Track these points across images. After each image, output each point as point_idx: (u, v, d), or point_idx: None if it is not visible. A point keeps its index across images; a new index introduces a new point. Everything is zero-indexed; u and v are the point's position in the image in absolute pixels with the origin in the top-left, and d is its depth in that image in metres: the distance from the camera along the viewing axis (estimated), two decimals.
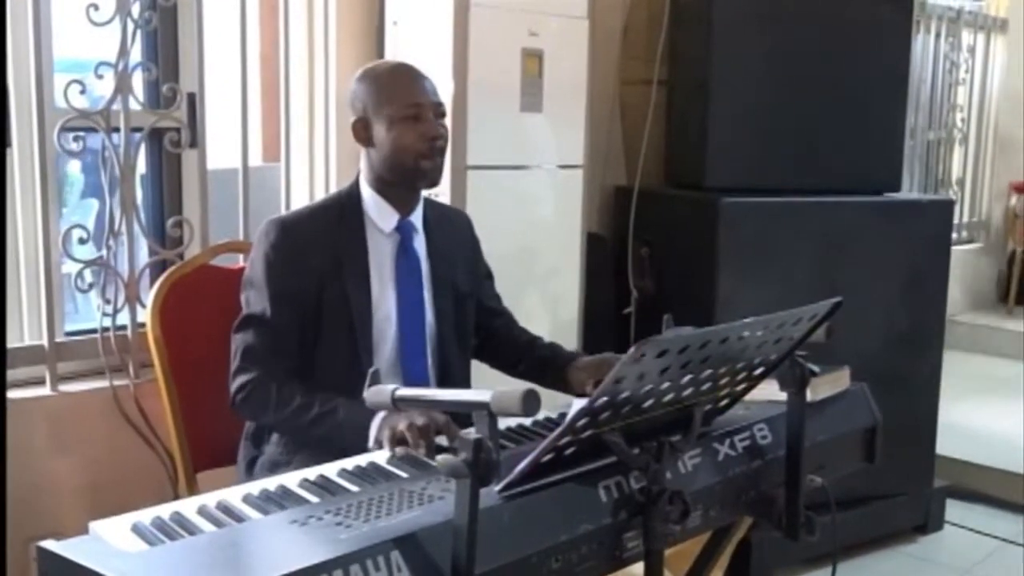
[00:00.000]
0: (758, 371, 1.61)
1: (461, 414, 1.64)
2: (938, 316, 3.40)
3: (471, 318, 2.14)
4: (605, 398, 1.30)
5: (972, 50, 5.60)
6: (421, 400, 1.42)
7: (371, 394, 1.43)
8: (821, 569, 2.88)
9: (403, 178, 1.97)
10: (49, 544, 1.27)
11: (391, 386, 1.42)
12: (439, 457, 1.21)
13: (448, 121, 2.03)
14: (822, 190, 3.17)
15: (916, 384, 3.32)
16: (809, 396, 1.70)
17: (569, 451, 1.40)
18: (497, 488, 1.35)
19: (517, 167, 2.88)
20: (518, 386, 1.29)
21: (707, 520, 1.64)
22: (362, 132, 1.98)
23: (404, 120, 1.92)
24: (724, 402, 1.65)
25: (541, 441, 1.39)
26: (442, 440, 1.65)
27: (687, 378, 1.42)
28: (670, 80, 3.41)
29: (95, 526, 1.34)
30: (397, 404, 1.40)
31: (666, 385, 1.39)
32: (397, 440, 1.63)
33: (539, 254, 2.97)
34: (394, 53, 2.76)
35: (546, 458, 1.37)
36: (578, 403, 1.31)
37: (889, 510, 3.32)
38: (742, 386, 1.63)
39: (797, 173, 3.19)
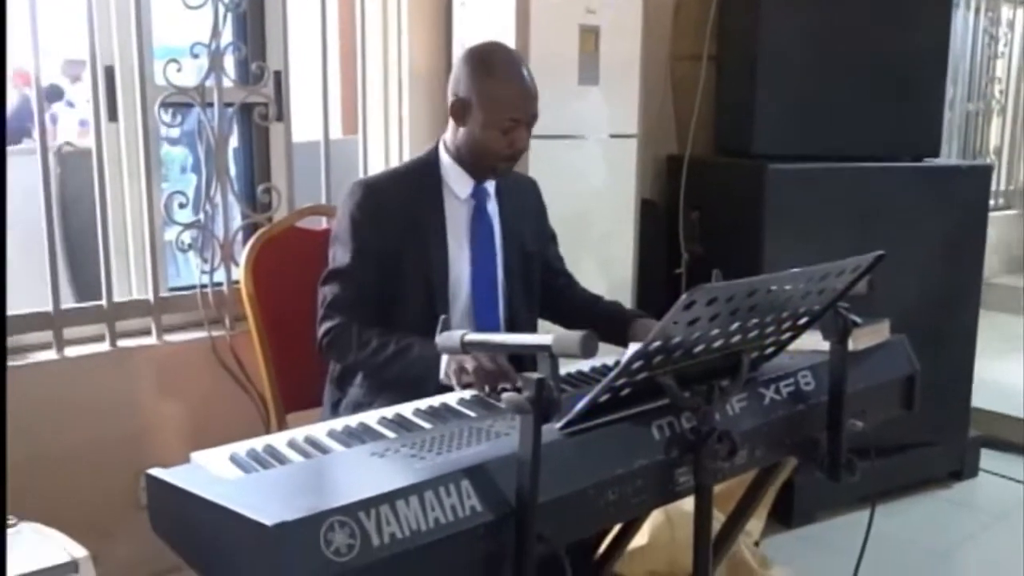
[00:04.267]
0: (802, 320, 1.58)
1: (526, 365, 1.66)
2: (975, 277, 3.31)
3: (537, 276, 2.12)
4: (659, 342, 1.29)
5: (1011, 24, 5.39)
6: (488, 344, 1.42)
7: (442, 339, 1.44)
8: (859, 511, 2.83)
9: (478, 168, 1.97)
10: (155, 471, 1.30)
11: (460, 331, 1.42)
12: (505, 395, 1.21)
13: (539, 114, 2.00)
14: (864, 157, 3.09)
15: (953, 341, 3.24)
16: (851, 346, 1.67)
17: (625, 392, 1.39)
18: (558, 425, 1.35)
19: (575, 137, 2.85)
20: None
21: (753, 459, 1.62)
22: (459, 112, 1.93)
23: (498, 129, 1.89)
24: (770, 350, 1.62)
25: (598, 385, 1.39)
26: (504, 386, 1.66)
27: (735, 325, 1.40)
28: (719, 54, 3.34)
29: (196, 456, 1.37)
30: (466, 348, 1.40)
31: (715, 332, 1.37)
32: (464, 377, 1.64)
33: (595, 219, 2.94)
34: (461, 31, 2.75)
35: (603, 398, 1.36)
36: (634, 347, 1.30)
37: (927, 457, 3.26)
38: (787, 335, 1.61)
39: (841, 141, 3.11)
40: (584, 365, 1.82)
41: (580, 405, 1.35)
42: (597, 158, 2.94)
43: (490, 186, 2.04)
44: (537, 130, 2.67)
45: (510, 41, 2.62)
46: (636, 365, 1.32)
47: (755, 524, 2.65)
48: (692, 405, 1.42)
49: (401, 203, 1.94)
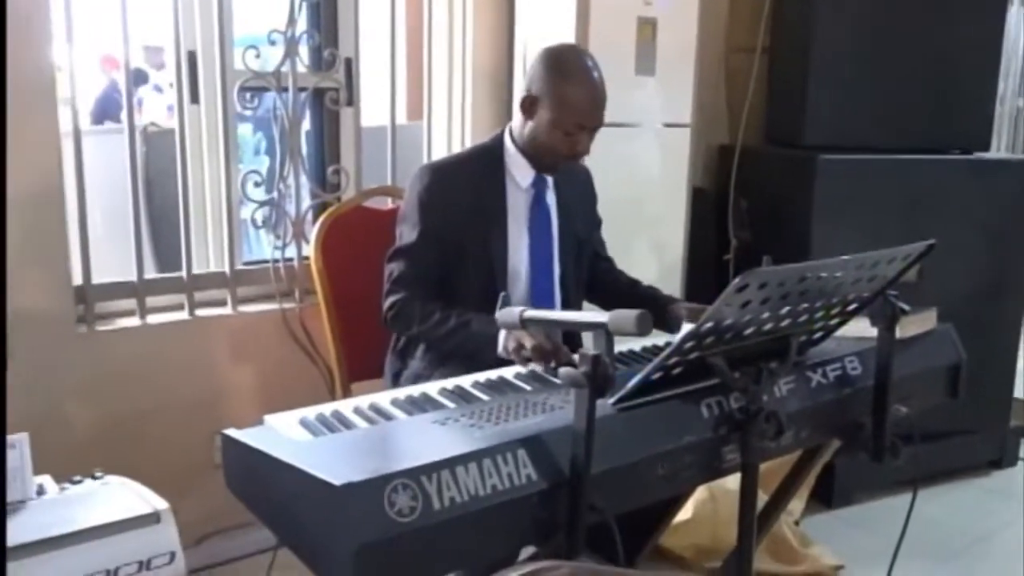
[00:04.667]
0: (851, 307, 1.55)
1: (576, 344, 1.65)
2: (1020, 269, 3.21)
3: (586, 262, 2.13)
4: (711, 324, 1.27)
5: None
6: (546, 320, 1.42)
7: (502, 314, 1.44)
8: (897, 495, 2.78)
9: (537, 162, 1.97)
10: (231, 432, 1.33)
11: (520, 308, 1.42)
12: (562, 370, 1.21)
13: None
14: (914, 149, 3.00)
15: (997, 331, 3.16)
16: (898, 333, 1.64)
17: (676, 371, 1.38)
18: (611, 400, 1.34)
19: (631, 125, 2.82)
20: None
21: (799, 440, 1.60)
22: (528, 107, 1.92)
23: (563, 130, 1.88)
24: (818, 334, 1.60)
25: (646, 365, 1.38)
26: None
27: (785, 309, 1.38)
28: (772, 47, 3.27)
29: (268, 419, 1.39)
30: (525, 324, 1.40)
31: (766, 315, 1.36)
32: (520, 351, 1.64)
33: (648, 204, 2.91)
34: (524, 23, 2.73)
35: (655, 376, 1.35)
36: (687, 327, 1.28)
37: (967, 445, 3.18)
38: (835, 320, 1.58)
39: (890, 133, 3.03)
40: (635, 345, 1.81)
41: (633, 382, 1.35)
42: (651, 146, 2.91)
43: (549, 176, 2.04)
44: None
45: (570, 32, 2.60)
46: (688, 345, 1.31)
47: (796, 504, 2.63)
48: (741, 385, 1.40)
49: (466, 188, 1.94)
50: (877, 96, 3.01)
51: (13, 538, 0.98)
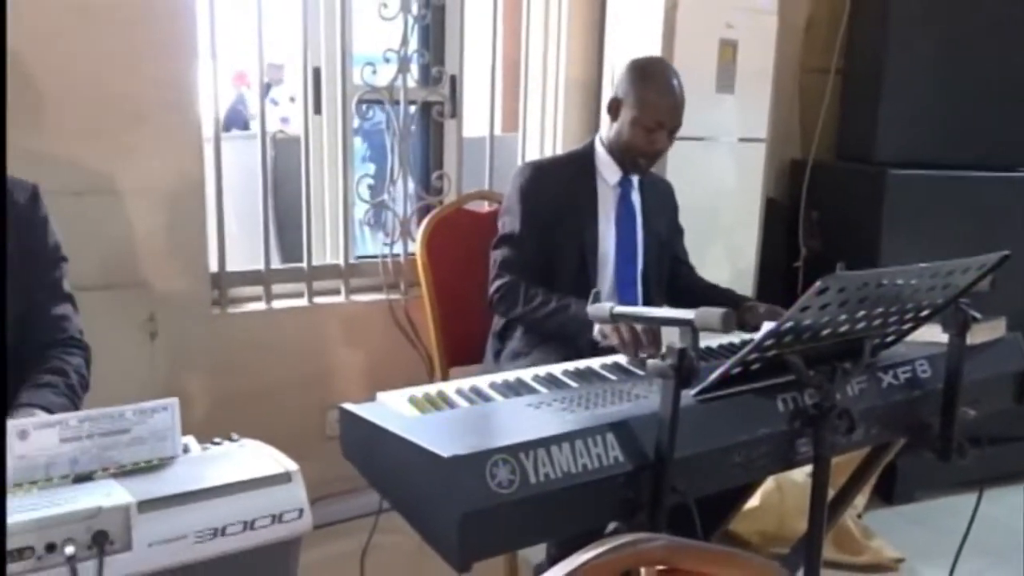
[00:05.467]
0: (924, 313, 1.49)
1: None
2: None
3: (667, 263, 2.14)
4: (791, 323, 1.24)
5: None
6: (634, 316, 1.41)
7: (593, 309, 1.44)
8: (957, 495, 2.66)
9: (621, 161, 2.00)
10: (348, 405, 1.35)
11: (609, 303, 1.41)
12: (650, 361, 1.20)
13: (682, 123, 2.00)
14: (984, 165, 2.88)
15: None
16: (968, 339, 1.57)
17: (754, 367, 1.35)
18: (693, 392, 1.32)
19: (708, 139, 2.78)
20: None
21: (868, 437, 1.55)
22: (613, 109, 2.00)
23: (643, 127, 1.93)
24: (891, 338, 1.54)
25: (724, 360, 1.35)
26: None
27: (861, 313, 1.33)
28: (846, 67, 3.17)
29: (380, 396, 1.41)
30: (615, 318, 1.39)
31: (843, 317, 1.31)
32: (620, 337, 1.63)
33: (724, 213, 2.86)
34: (614, 41, 2.72)
35: (735, 371, 1.33)
36: (767, 326, 1.26)
37: None
38: (908, 325, 1.52)
39: (961, 149, 2.91)
40: (712, 342, 1.78)
41: (714, 375, 1.32)
42: (728, 159, 2.86)
43: (634, 178, 2.07)
44: (678, 132, 2.66)
45: (656, 50, 2.58)
46: (768, 343, 1.27)
47: (860, 498, 2.54)
48: (816, 383, 1.36)
49: (561, 182, 1.99)
50: (947, 114, 2.90)
51: (166, 489, 1.03)
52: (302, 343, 2.42)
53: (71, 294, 1.53)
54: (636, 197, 2.06)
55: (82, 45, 1.96)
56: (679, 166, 2.67)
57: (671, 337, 1.29)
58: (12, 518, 0.94)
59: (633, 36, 2.67)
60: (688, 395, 1.31)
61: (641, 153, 1.95)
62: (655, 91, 1.93)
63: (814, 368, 1.36)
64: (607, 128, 2.02)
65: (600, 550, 0.65)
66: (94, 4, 1.97)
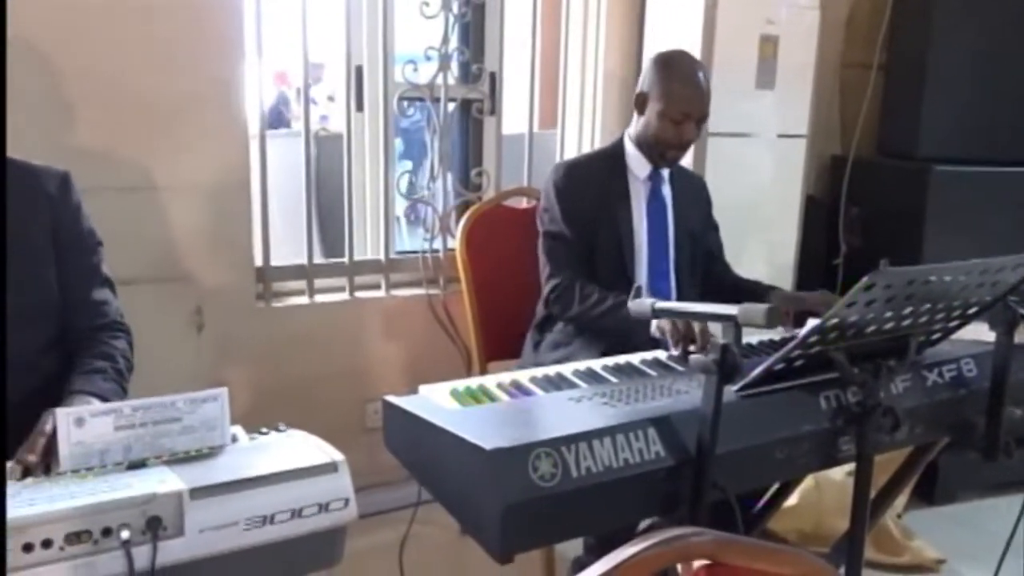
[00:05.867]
0: (972, 310, 1.45)
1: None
2: None
3: (700, 257, 2.13)
4: (836, 319, 1.22)
5: None
6: (676, 311, 1.39)
7: (635, 304, 1.43)
8: (999, 496, 2.60)
9: (650, 154, 2.00)
10: (391, 397, 1.35)
11: (650, 299, 1.40)
12: (692, 356, 1.19)
13: (709, 114, 1.99)
14: None
15: None
16: (1016, 338, 1.53)
17: (798, 363, 1.33)
18: (735, 388, 1.31)
19: (750, 135, 2.75)
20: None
21: (912, 436, 1.51)
22: (640, 103, 2.01)
23: (670, 119, 1.93)
24: (937, 335, 1.51)
25: (765, 357, 1.33)
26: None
27: (908, 310, 1.31)
28: (888, 62, 3.11)
29: (423, 388, 1.41)
30: (656, 314, 1.38)
31: (889, 314, 1.29)
32: (676, 332, 1.61)
33: (763, 209, 2.83)
34: (653, 36, 2.69)
35: (778, 367, 1.31)
36: (812, 322, 1.24)
37: None
38: (955, 323, 1.48)
39: (1005, 146, 2.84)
40: (751, 338, 1.75)
41: (757, 371, 1.31)
42: (766, 155, 2.83)
43: (665, 172, 2.07)
44: (716, 128, 2.64)
45: (696, 47, 2.55)
46: (812, 339, 1.25)
47: (900, 498, 2.49)
48: (860, 380, 1.34)
49: (593, 178, 2.01)
50: (991, 109, 2.83)
51: (217, 477, 1.04)
52: (343, 336, 2.44)
53: (109, 278, 1.54)
54: (667, 190, 2.07)
55: (137, 44, 2.00)
56: (718, 162, 2.64)
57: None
58: (71, 502, 0.96)
59: (672, 32, 2.65)
60: (730, 391, 1.29)
61: (669, 145, 1.96)
62: (680, 83, 1.93)
63: (858, 365, 1.34)
64: (635, 122, 2.02)
65: (648, 543, 0.64)
66: (151, 5, 2.00)
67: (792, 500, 2.26)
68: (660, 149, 1.97)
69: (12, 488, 1.02)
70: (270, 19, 2.29)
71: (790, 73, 2.75)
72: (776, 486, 1.82)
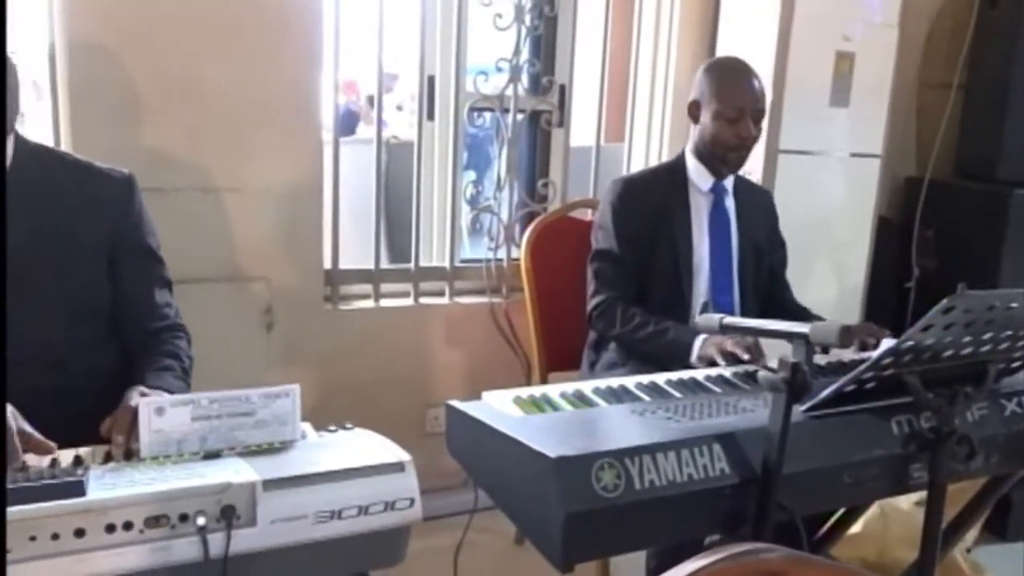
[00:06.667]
0: None
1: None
2: None
3: (765, 272, 2.09)
4: (911, 342, 1.19)
5: None
6: (745, 328, 1.38)
7: (702, 319, 1.42)
8: None
9: (712, 160, 1.98)
10: (454, 402, 1.37)
11: (719, 315, 1.39)
12: (760, 373, 1.17)
13: (766, 111, 1.96)
14: None
15: None
16: None
17: (869, 385, 1.30)
18: (803, 407, 1.29)
19: (822, 153, 2.70)
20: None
21: (988, 466, 1.46)
22: (694, 112, 2.00)
23: (725, 119, 1.91)
24: (1017, 363, 1.46)
25: (833, 378, 1.31)
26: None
27: (988, 335, 1.27)
28: (969, 83, 3.02)
29: (486, 395, 1.42)
30: (724, 329, 1.37)
31: (967, 339, 1.25)
32: (723, 354, 1.61)
33: (833, 230, 2.77)
34: (725, 51, 2.67)
35: (849, 388, 1.28)
36: (887, 343, 1.21)
37: None
38: None
39: None
40: (820, 359, 1.72)
41: (827, 391, 1.28)
42: (840, 174, 2.77)
43: (728, 184, 2.04)
44: (787, 145, 2.61)
45: (769, 62, 2.53)
46: (886, 361, 1.23)
47: (970, 532, 2.40)
48: (935, 406, 1.30)
49: (652, 195, 1.98)
50: None
51: (288, 470, 1.07)
52: (406, 341, 2.47)
53: (169, 280, 1.58)
54: (730, 203, 2.04)
55: (221, 51, 2.07)
56: (787, 180, 2.60)
57: (781, 351, 1.25)
58: (151, 487, 1.00)
59: (746, 48, 2.61)
60: (798, 410, 1.27)
61: (729, 147, 1.93)
62: (730, 81, 1.92)
63: (933, 390, 1.30)
64: (692, 134, 2.01)
65: (718, 556, 0.64)
66: (235, 14, 2.07)
67: (856, 528, 2.20)
68: (720, 152, 1.94)
69: (96, 471, 1.07)
70: (346, 29, 2.34)
71: (865, 91, 2.69)
72: (841, 511, 1.78)
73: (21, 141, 1.43)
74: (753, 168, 2.52)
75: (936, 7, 3.08)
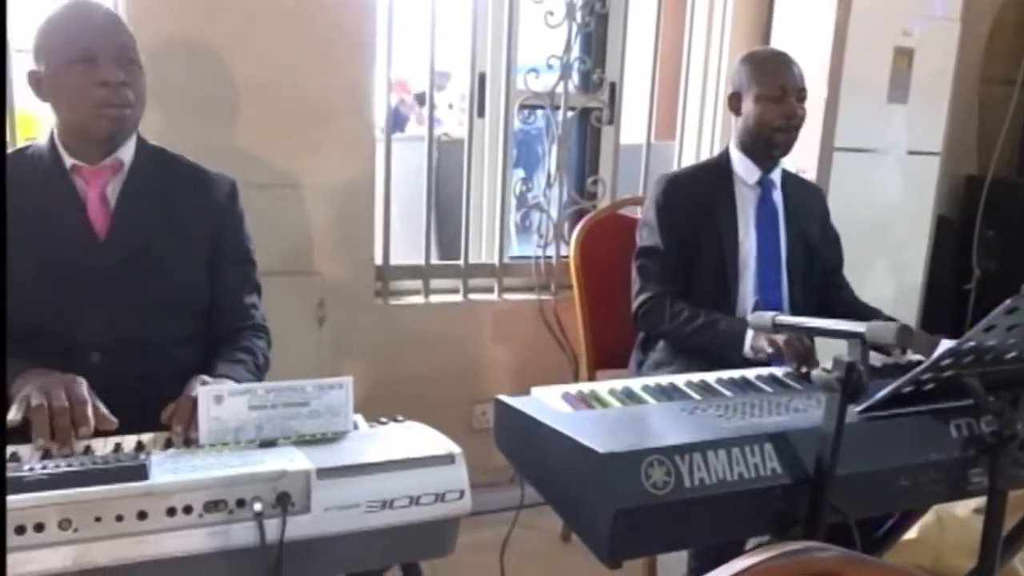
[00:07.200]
0: None
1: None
2: None
3: (817, 268, 2.04)
4: (972, 343, 1.16)
5: None
6: (798, 326, 1.36)
7: (754, 317, 1.40)
8: None
9: (760, 146, 1.95)
10: (503, 397, 1.37)
11: (772, 312, 1.37)
12: (814, 372, 1.15)
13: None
14: None
15: None
16: None
17: (927, 387, 1.27)
18: (858, 408, 1.26)
19: (878, 151, 2.64)
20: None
21: None
22: (735, 103, 1.99)
23: (768, 99, 1.90)
24: None
25: (889, 380, 1.28)
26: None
27: None
28: None
29: (535, 391, 1.42)
30: (777, 328, 1.35)
31: None
32: (774, 344, 1.58)
33: (890, 229, 2.71)
34: (780, 45, 2.62)
35: (906, 389, 1.26)
36: (946, 343, 1.18)
37: None
38: None
39: None
40: (875, 360, 1.68)
41: (883, 392, 1.26)
42: (895, 173, 2.71)
43: (776, 177, 2.00)
44: (843, 142, 2.56)
45: (825, 58, 2.49)
46: (945, 362, 1.20)
47: None
48: (996, 409, 1.26)
49: (697, 192, 1.97)
50: None
51: (342, 459, 1.09)
52: (455, 337, 2.49)
53: (259, 284, 1.64)
54: (778, 196, 2.00)
55: (279, 49, 2.11)
56: (843, 178, 2.55)
57: (836, 350, 1.23)
58: (210, 473, 1.03)
59: (801, 42, 2.57)
60: (853, 411, 1.25)
61: (776, 127, 1.90)
62: (769, 63, 1.92)
63: (994, 393, 1.27)
64: (735, 127, 2.00)
65: (771, 553, 0.63)
66: (292, 12, 2.11)
67: (911, 533, 2.14)
68: (767, 134, 1.91)
69: (157, 456, 1.10)
70: (398, 28, 2.37)
71: (925, 87, 2.63)
72: (895, 516, 1.74)
73: (142, 142, 1.51)
74: (808, 166, 2.48)
75: (999, 0, 2.99)
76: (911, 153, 2.71)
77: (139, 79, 1.43)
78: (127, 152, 1.47)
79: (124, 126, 1.43)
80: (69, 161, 1.44)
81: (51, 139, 1.45)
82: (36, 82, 1.42)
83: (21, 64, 1.51)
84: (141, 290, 1.43)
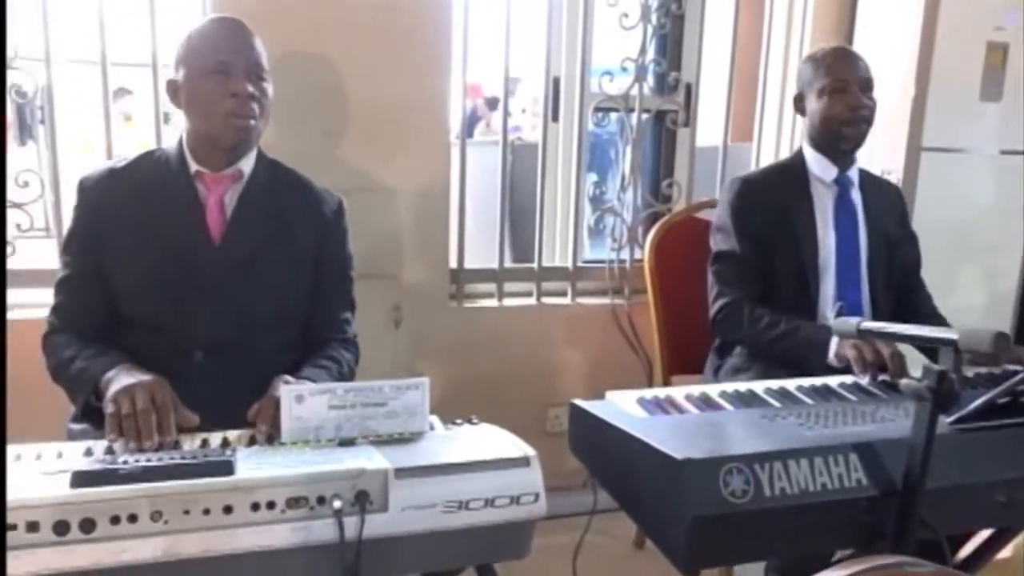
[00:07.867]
0: None
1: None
2: None
3: (898, 266, 1.98)
4: None
5: None
6: (885, 333, 1.31)
7: (838, 323, 1.35)
8: None
9: (829, 141, 1.90)
10: (578, 401, 1.36)
11: (856, 318, 1.32)
12: (903, 381, 1.11)
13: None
14: None
15: None
16: None
17: None
18: (950, 419, 1.21)
19: (968, 151, 2.53)
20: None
21: None
22: (799, 105, 1.96)
23: (832, 93, 1.86)
24: None
25: (981, 391, 1.22)
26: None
27: None
28: None
29: (610, 395, 1.41)
30: (862, 334, 1.30)
31: None
32: (862, 358, 1.52)
33: (980, 232, 2.59)
34: (863, 45, 2.54)
35: (1001, 400, 1.20)
36: None
37: None
38: None
39: None
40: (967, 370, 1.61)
41: (977, 403, 1.20)
42: (986, 173, 2.59)
43: (853, 175, 1.95)
44: (931, 142, 2.46)
45: (913, 55, 2.40)
46: None
47: None
48: None
49: (772, 193, 1.92)
50: None
51: (419, 460, 1.10)
52: (528, 340, 2.49)
53: (355, 301, 1.68)
54: (856, 195, 1.94)
55: (358, 57, 2.16)
56: (930, 179, 2.46)
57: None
58: (292, 470, 1.05)
59: (885, 42, 2.49)
60: (944, 422, 1.20)
61: (842, 120, 1.85)
62: (828, 57, 1.89)
63: None
64: (805, 127, 1.97)
65: (864, 566, 0.61)
66: (369, 20, 2.15)
67: (1006, 552, 2.04)
68: (834, 127, 1.87)
69: (242, 453, 1.14)
70: (472, 33, 2.38)
71: (1020, 84, 2.50)
72: (988, 533, 1.66)
73: (261, 155, 1.58)
74: (893, 167, 2.39)
75: None
76: (1004, 152, 2.59)
77: (267, 94, 1.49)
78: (248, 163, 1.53)
79: (248, 136, 1.49)
80: (194, 167, 1.51)
81: (180, 144, 1.53)
82: (173, 90, 1.50)
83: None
84: (247, 296, 1.49)
